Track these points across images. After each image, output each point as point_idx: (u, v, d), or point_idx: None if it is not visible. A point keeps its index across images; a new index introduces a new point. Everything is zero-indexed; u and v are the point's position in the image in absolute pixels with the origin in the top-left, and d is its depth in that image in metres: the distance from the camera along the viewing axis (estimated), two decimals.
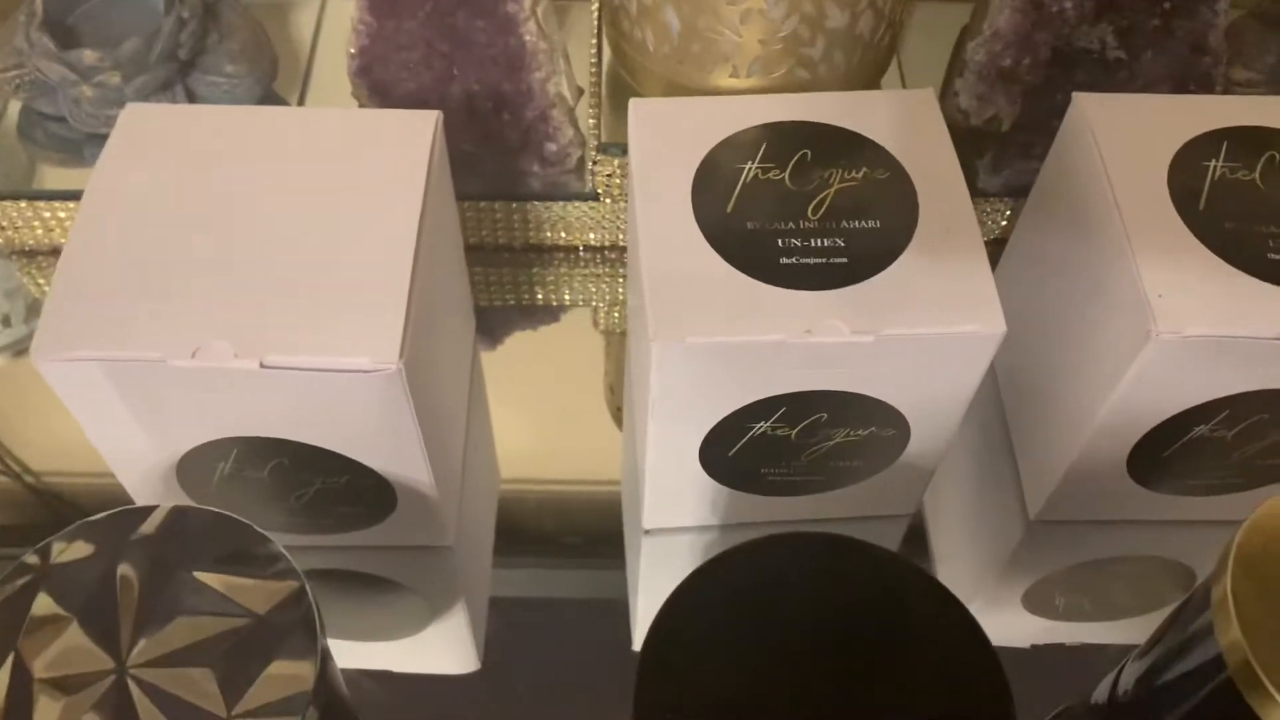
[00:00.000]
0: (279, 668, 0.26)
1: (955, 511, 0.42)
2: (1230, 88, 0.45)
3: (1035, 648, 0.40)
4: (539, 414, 0.45)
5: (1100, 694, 0.36)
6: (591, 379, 0.46)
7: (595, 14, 0.47)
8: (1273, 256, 0.32)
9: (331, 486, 0.35)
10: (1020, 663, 0.38)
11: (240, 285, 0.31)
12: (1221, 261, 0.32)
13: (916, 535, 0.42)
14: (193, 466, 0.34)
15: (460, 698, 0.38)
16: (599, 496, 0.43)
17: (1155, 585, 0.41)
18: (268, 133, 0.34)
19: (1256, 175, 0.34)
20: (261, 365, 0.30)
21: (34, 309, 0.47)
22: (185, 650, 0.26)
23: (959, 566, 0.41)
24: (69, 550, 0.28)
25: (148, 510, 0.28)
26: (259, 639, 0.26)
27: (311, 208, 0.32)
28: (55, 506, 0.42)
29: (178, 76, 0.44)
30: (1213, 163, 0.35)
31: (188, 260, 0.31)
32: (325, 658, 0.27)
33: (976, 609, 0.40)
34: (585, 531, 0.42)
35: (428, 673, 0.38)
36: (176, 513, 0.28)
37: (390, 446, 0.33)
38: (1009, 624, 0.40)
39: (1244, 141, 0.35)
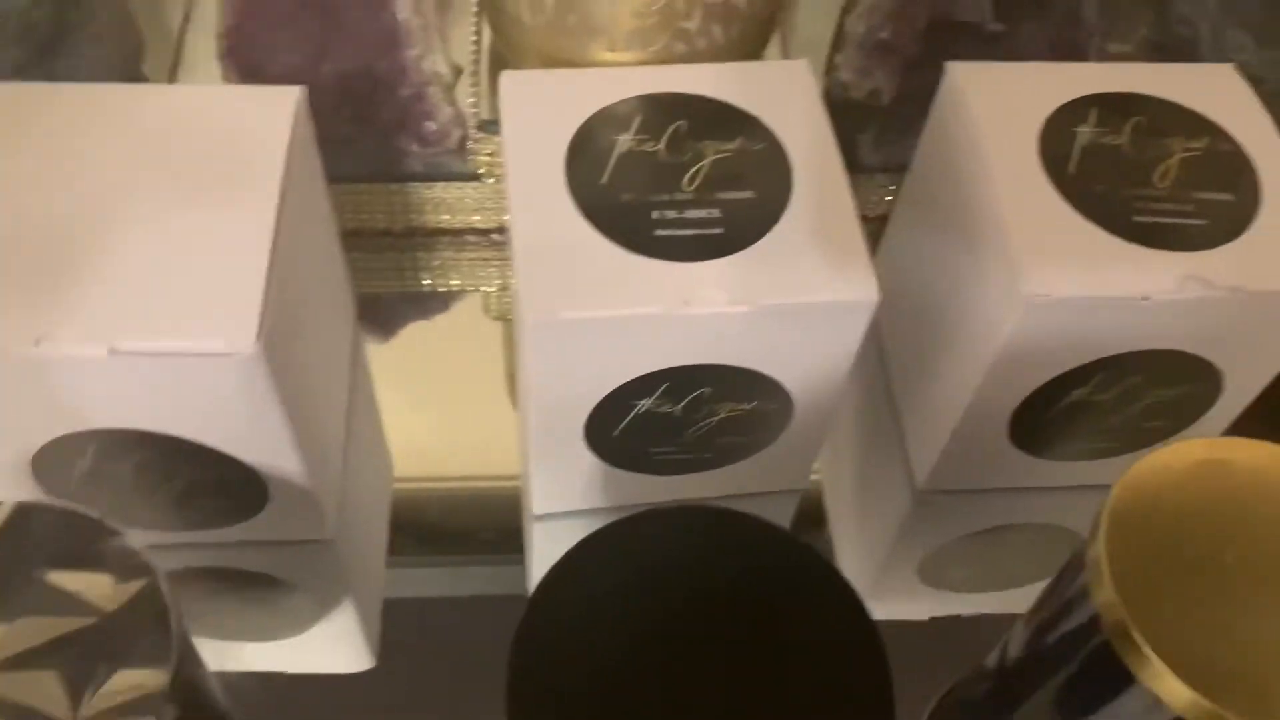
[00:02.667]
0: (131, 667, 0.25)
1: (847, 484, 0.42)
2: (1106, 59, 0.46)
3: (935, 620, 0.40)
4: (433, 405, 0.44)
5: (992, 659, 0.37)
6: (487, 367, 0.45)
7: None
8: (1139, 219, 0.33)
9: (200, 480, 0.33)
10: (920, 635, 0.39)
11: (89, 270, 0.29)
12: (1090, 224, 0.33)
13: (814, 509, 0.42)
14: (48, 463, 0.32)
15: (354, 697, 0.37)
16: (499, 489, 0.42)
17: (1048, 552, 0.42)
18: (121, 110, 0.33)
19: (1124, 140, 0.35)
20: (111, 351, 0.28)
21: None
22: (29, 653, 0.25)
23: (854, 539, 0.41)
24: None
25: None
26: (109, 638, 0.25)
27: (166, 187, 0.31)
28: None
29: (35, 61, 0.42)
30: (1082, 128, 0.35)
31: (32, 245, 0.30)
32: (183, 656, 0.26)
33: (873, 581, 0.41)
34: (485, 525, 0.41)
35: (319, 673, 0.37)
36: (20, 509, 0.27)
37: (256, 435, 0.32)
38: (907, 597, 0.40)
39: (1113, 107, 0.36)
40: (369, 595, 0.39)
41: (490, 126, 0.43)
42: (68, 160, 0.32)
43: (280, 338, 0.30)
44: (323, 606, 0.39)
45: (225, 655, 0.36)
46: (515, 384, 0.44)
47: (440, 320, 0.47)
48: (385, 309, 0.46)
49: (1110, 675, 0.29)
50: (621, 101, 0.34)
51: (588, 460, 0.36)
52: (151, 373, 0.29)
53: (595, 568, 0.28)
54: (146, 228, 0.30)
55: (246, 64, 0.42)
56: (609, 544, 0.29)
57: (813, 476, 0.41)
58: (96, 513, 0.27)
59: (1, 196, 0.31)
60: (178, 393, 0.30)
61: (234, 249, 0.30)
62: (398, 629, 0.38)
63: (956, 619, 0.40)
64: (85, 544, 0.26)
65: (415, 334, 0.46)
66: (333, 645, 0.38)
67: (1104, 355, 0.34)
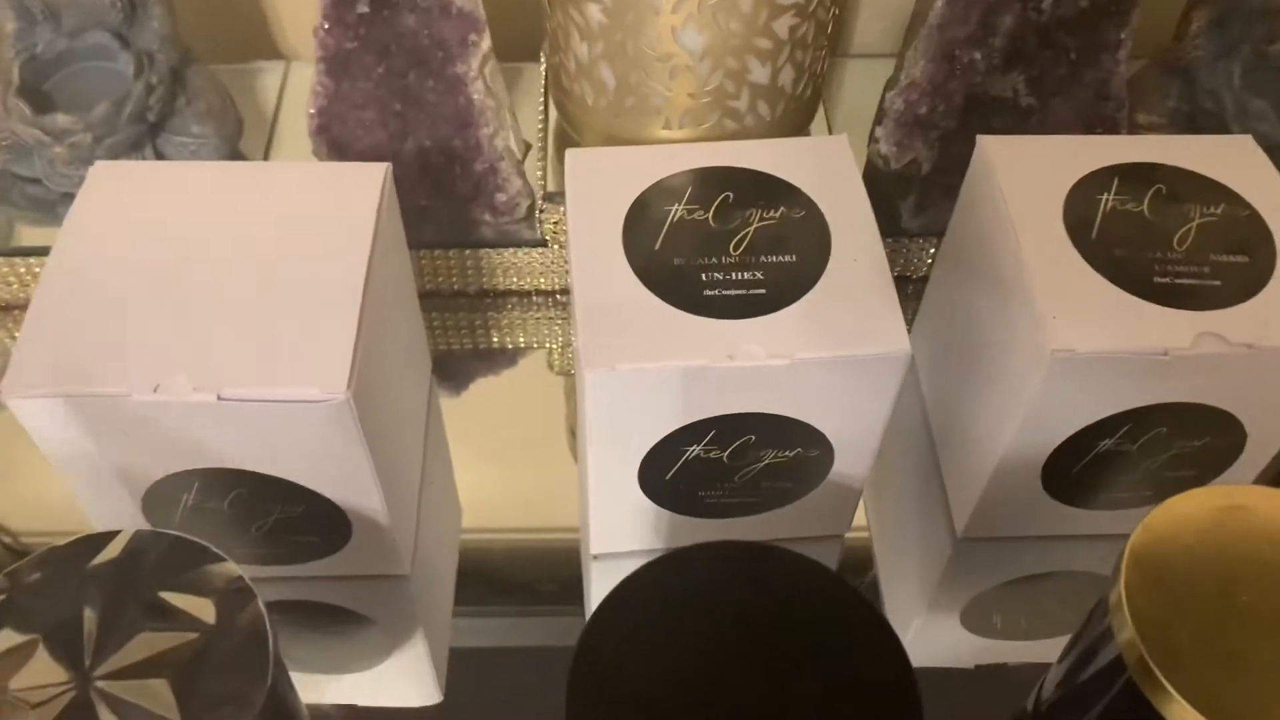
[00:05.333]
0: (232, 676, 0.28)
1: (892, 532, 0.44)
2: (1135, 130, 0.49)
3: (979, 667, 0.42)
4: (499, 454, 0.47)
5: (1029, 701, 0.38)
6: (548, 420, 0.48)
7: (542, 74, 0.50)
8: (1158, 280, 0.35)
9: (289, 516, 0.37)
10: (963, 678, 0.41)
11: (200, 325, 0.33)
12: (1111, 285, 0.35)
13: (862, 554, 0.44)
14: (158, 499, 0.36)
15: None
16: (559, 532, 0.45)
17: (1086, 600, 0.43)
18: (227, 185, 0.37)
19: (1144, 207, 0.37)
20: (219, 398, 0.32)
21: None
22: (144, 663, 0.28)
23: (899, 586, 0.43)
24: (37, 573, 0.29)
25: (110, 535, 0.30)
26: (214, 651, 0.28)
27: (268, 253, 0.35)
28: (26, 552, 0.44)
29: (147, 137, 0.46)
30: (1104, 196, 0.37)
31: (150, 303, 0.34)
32: (278, 669, 0.29)
33: (919, 627, 0.43)
34: (545, 565, 0.44)
35: (390, 706, 0.40)
36: (137, 536, 0.30)
37: (343, 475, 0.35)
38: (951, 642, 0.42)
39: (1133, 176, 0.38)
40: (438, 631, 0.41)
41: (555, 197, 0.46)
42: (181, 228, 0.36)
43: (367, 387, 0.33)
44: (395, 641, 0.41)
45: (303, 686, 0.39)
46: (575, 437, 0.47)
47: (507, 375, 0.50)
48: (457, 365, 0.49)
49: (1135, 712, 0.30)
50: (674, 175, 0.37)
51: (641, 503, 0.39)
52: (253, 417, 0.32)
53: (646, 598, 0.31)
54: (250, 287, 0.34)
55: (335, 141, 0.46)
56: (660, 575, 0.31)
57: (859, 523, 0.43)
58: (203, 541, 0.30)
59: (124, 261, 0.35)
60: (274, 435, 0.33)
61: (328, 307, 0.33)
62: (461, 663, 0.40)
63: (1000, 666, 0.41)
64: (194, 568, 0.30)
65: (484, 389, 0.49)
66: (404, 679, 0.40)
67: (1128, 408, 0.36)
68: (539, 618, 0.43)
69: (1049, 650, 0.41)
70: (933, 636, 0.42)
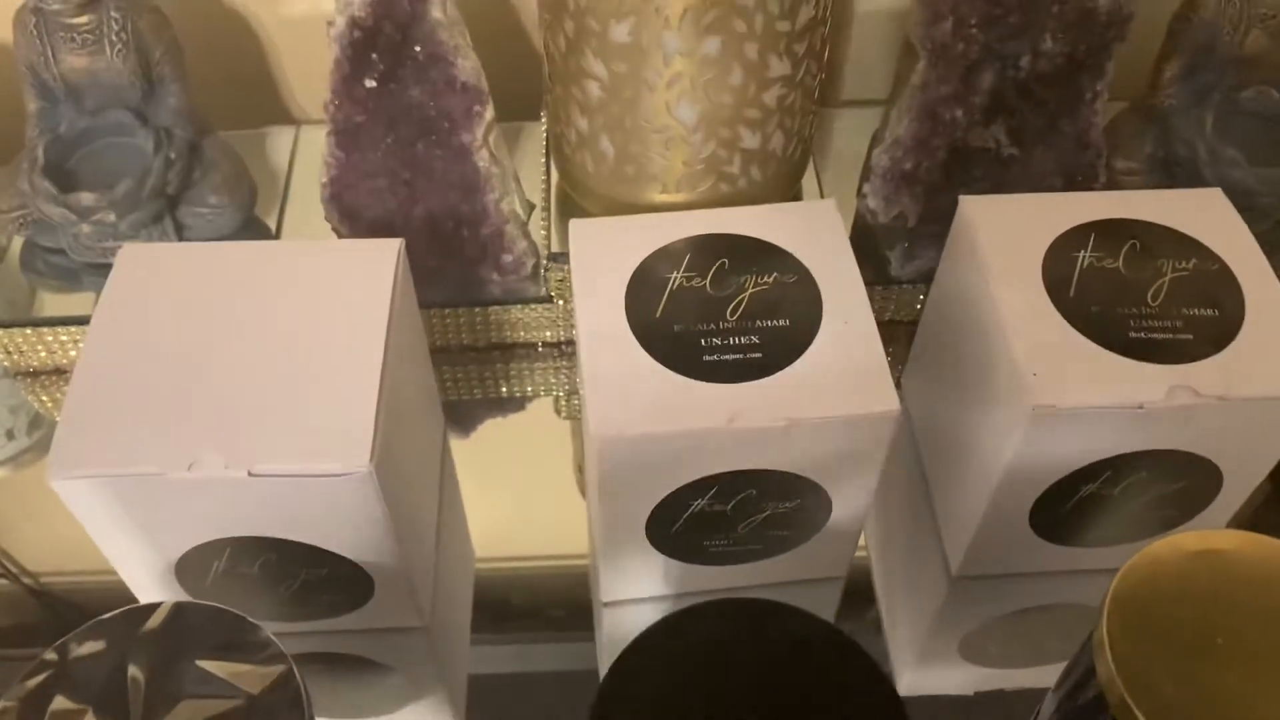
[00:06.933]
0: None
1: (892, 570, 0.46)
2: (1114, 176, 0.50)
3: (979, 694, 0.43)
4: (511, 498, 0.49)
5: None
6: (558, 462, 0.50)
7: (544, 138, 0.52)
8: (1133, 335, 0.37)
9: (315, 578, 0.38)
10: (963, 708, 0.42)
11: (228, 404, 0.35)
12: (1089, 341, 0.37)
13: (862, 593, 0.45)
14: (190, 566, 0.38)
15: None
16: (571, 572, 0.47)
17: (1079, 630, 0.45)
18: (249, 265, 0.39)
19: (1120, 263, 0.39)
20: (250, 474, 0.34)
21: (35, 423, 0.51)
22: None
23: (900, 620, 0.45)
24: (84, 646, 0.31)
25: (152, 607, 0.32)
26: (254, 716, 0.30)
27: (289, 331, 0.37)
28: (60, 607, 0.45)
29: (166, 210, 0.48)
30: (1081, 253, 0.39)
31: (181, 383, 0.36)
32: None
33: (919, 658, 0.44)
34: (560, 606, 0.46)
35: None
36: (177, 608, 0.32)
37: (365, 540, 0.37)
38: (951, 672, 0.44)
39: (1109, 233, 0.40)
40: (456, 675, 0.43)
41: (559, 256, 0.48)
42: (207, 308, 0.37)
43: (388, 457, 0.35)
44: (416, 687, 0.43)
45: None
46: (583, 474, 0.49)
47: (515, 419, 0.52)
48: (466, 412, 0.51)
49: None
50: (673, 243, 0.39)
51: (650, 554, 0.41)
52: (281, 490, 0.34)
53: (656, 657, 0.33)
54: (275, 365, 0.36)
55: (346, 208, 0.48)
56: (668, 635, 0.33)
57: (862, 562, 0.45)
58: (238, 610, 0.32)
59: (155, 344, 0.37)
60: (301, 505, 0.35)
61: (349, 383, 0.35)
62: (479, 703, 0.42)
63: (999, 693, 0.43)
64: (230, 637, 0.32)
65: (493, 431, 0.51)
66: None
67: (1108, 456, 0.38)
68: (551, 645, 0.44)
69: (1046, 676, 0.43)
70: (933, 667, 0.44)
